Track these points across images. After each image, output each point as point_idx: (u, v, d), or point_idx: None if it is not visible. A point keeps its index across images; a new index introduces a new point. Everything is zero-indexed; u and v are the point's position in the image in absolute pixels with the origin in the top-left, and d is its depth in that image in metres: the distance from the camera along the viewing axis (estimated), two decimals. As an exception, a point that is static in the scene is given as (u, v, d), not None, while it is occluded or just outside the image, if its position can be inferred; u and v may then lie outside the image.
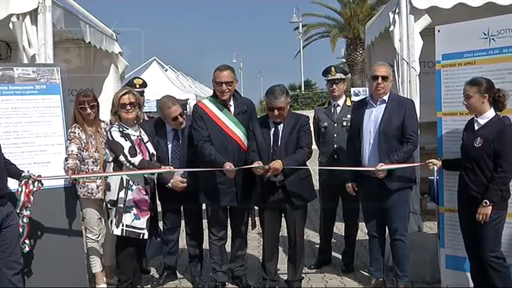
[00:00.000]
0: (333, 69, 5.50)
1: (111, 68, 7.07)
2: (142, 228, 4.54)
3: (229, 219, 5.06)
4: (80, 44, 6.70)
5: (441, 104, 4.70)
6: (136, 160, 4.44)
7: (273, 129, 4.64)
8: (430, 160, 4.51)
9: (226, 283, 5.03)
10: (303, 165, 4.65)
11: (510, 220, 4.20)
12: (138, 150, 4.50)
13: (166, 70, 21.62)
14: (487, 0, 5.20)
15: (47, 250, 4.44)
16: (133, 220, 4.49)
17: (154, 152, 4.71)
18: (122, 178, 4.52)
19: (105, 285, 4.93)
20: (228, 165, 4.52)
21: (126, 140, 4.48)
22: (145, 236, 4.57)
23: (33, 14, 5.01)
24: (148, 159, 4.59)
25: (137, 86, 5.45)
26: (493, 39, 4.41)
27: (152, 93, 10.91)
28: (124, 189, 4.50)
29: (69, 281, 4.53)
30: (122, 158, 4.44)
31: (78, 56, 6.96)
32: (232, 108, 4.83)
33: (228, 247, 5.11)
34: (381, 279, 4.85)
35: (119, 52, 7.18)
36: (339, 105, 5.48)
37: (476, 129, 4.11)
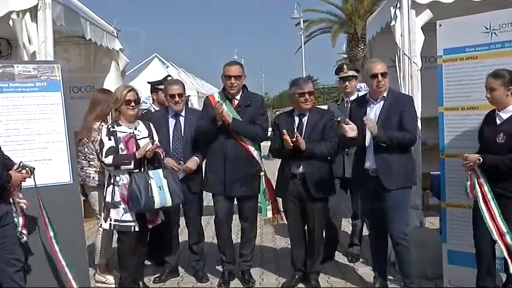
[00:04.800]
0: (345, 66, 5.73)
1: (111, 65, 7.04)
2: (131, 221, 4.55)
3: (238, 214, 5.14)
4: (80, 41, 6.69)
5: (443, 99, 4.69)
6: (108, 160, 4.50)
7: (297, 122, 4.75)
8: (467, 155, 3.97)
9: (232, 271, 5.14)
10: (325, 158, 4.76)
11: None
12: (122, 147, 4.53)
13: (167, 67, 21.57)
14: (488, -6, 5.18)
15: (49, 248, 4.42)
16: (122, 215, 4.55)
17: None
18: (109, 174, 4.62)
19: (108, 277, 5.04)
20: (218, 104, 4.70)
21: (109, 140, 4.53)
22: (137, 228, 4.59)
23: (33, 11, 4.98)
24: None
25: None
26: (494, 33, 4.38)
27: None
28: (111, 186, 4.58)
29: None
30: (100, 156, 4.59)
31: (78, 53, 6.95)
32: (236, 102, 4.94)
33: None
34: (385, 282, 4.76)
35: (120, 49, 7.16)
36: (350, 101, 5.57)
37: (498, 123, 3.97)
